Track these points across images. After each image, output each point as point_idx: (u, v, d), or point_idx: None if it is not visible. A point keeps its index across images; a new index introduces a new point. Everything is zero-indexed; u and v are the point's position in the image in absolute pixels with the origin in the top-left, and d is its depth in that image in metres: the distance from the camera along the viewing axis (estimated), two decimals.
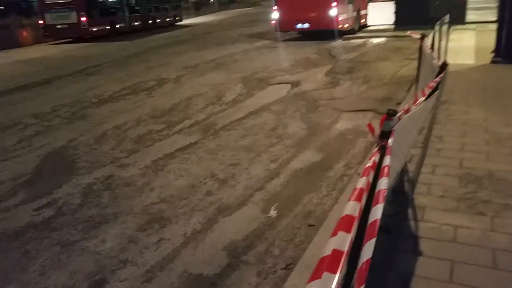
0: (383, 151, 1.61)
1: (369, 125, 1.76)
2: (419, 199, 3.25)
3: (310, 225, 3.31)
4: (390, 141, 1.63)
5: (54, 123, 6.76)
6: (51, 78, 10.89)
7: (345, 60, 10.80)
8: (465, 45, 11.32)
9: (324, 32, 15.30)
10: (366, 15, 18.39)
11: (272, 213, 3.49)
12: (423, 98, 2.44)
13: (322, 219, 3.30)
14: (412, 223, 2.98)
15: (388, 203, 3.10)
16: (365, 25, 18.16)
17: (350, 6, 16.38)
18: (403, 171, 3.68)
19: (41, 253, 3.17)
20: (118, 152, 5.14)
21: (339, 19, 15.21)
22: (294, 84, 8.40)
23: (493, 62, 8.33)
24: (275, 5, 16.27)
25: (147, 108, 7.16)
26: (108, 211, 3.72)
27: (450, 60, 8.72)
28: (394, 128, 1.71)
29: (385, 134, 1.70)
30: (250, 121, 6.13)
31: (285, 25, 16.09)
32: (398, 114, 1.78)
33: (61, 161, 5.12)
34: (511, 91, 6.26)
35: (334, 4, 15.10)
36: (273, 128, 5.72)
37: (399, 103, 6.11)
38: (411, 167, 3.81)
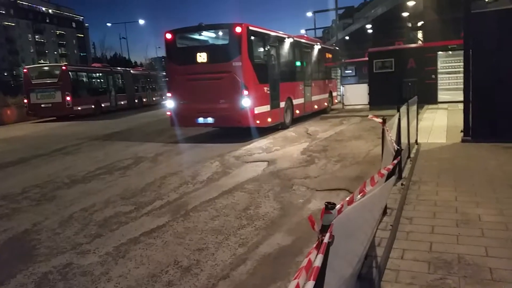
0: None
1: (310, 218, 1.69)
2: None
3: None
4: (326, 237, 1.56)
5: (22, 205, 6.54)
6: (28, 157, 10.78)
7: (321, 139, 11.02)
8: (437, 124, 11.76)
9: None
10: (304, 104, 14.94)
11: None
12: (371, 187, 2.42)
13: None
14: None
15: None
16: (301, 117, 14.86)
17: (275, 94, 12.47)
18: (371, 256, 3.58)
19: None
20: (81, 237, 4.91)
21: (255, 113, 11.22)
22: (270, 162, 8.45)
23: (463, 141, 8.59)
24: (169, 90, 12.44)
25: (119, 189, 7.03)
26: None
27: (422, 139, 9.05)
28: (333, 222, 1.65)
29: (324, 228, 1.63)
30: (223, 200, 6.03)
31: (182, 119, 12.03)
32: (338, 207, 1.73)
33: (21, 247, 4.85)
34: (480, 170, 6.36)
35: (245, 92, 10.97)
36: (245, 209, 5.60)
37: None
38: (380, 251, 3.70)
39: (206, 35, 12.34)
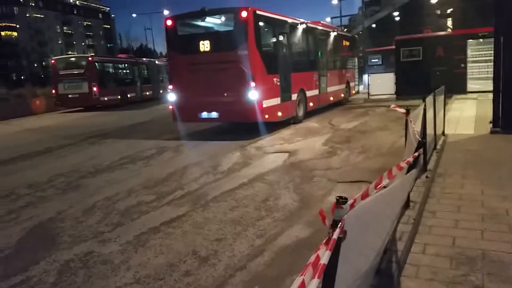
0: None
1: (321, 212, 1.63)
2: (406, 283, 3.02)
3: None
4: (335, 233, 1.50)
5: (47, 193, 6.71)
6: (54, 147, 11.06)
7: (344, 130, 10.86)
8: (465, 114, 11.39)
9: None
10: (318, 96, 13.97)
11: None
12: (389, 180, 2.34)
13: None
14: None
15: (371, 287, 2.89)
16: (316, 110, 13.92)
17: (285, 86, 11.52)
18: (391, 250, 3.49)
19: None
20: (103, 226, 5.01)
21: (263, 106, 10.33)
22: (292, 153, 8.38)
23: (492, 132, 8.28)
24: (170, 82, 11.61)
25: (142, 178, 7.12)
26: None
27: (449, 131, 8.78)
28: (344, 217, 1.59)
29: (336, 223, 1.58)
30: (242, 191, 6.02)
31: (185, 114, 11.17)
32: (350, 201, 1.67)
33: (45, 234, 4.99)
34: (508, 163, 6.11)
35: (253, 83, 10.07)
36: (264, 200, 5.58)
37: None
38: (401, 246, 3.61)
39: (209, 21, 11.29)
